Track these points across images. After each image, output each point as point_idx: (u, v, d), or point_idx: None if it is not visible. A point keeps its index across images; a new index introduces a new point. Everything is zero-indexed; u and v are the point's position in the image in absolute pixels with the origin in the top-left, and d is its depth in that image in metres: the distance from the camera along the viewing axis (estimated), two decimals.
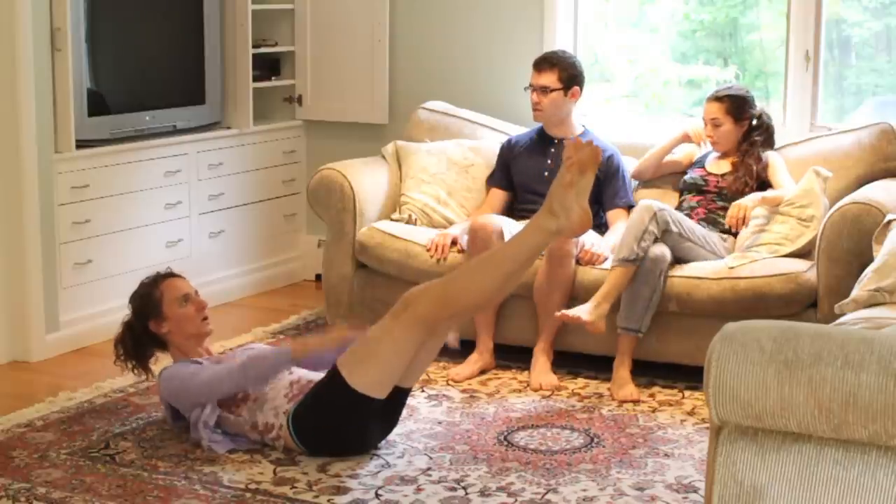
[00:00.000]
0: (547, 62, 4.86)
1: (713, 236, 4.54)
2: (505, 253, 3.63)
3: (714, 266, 4.39)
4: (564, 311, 4.31)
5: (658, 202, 4.42)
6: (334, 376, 3.61)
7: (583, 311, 4.28)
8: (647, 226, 4.31)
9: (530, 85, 4.88)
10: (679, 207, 4.78)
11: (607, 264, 4.43)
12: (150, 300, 3.93)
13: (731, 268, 4.35)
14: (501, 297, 3.88)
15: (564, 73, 4.84)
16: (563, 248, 4.44)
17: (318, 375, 3.72)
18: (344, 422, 3.64)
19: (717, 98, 4.72)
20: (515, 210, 4.95)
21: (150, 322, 3.91)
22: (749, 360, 2.36)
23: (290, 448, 3.72)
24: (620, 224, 4.73)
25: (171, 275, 4.02)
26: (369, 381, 3.57)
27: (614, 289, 4.32)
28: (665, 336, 4.43)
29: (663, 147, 4.90)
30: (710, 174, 4.76)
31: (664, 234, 4.36)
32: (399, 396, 3.73)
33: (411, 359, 3.61)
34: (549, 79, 4.82)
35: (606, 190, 4.85)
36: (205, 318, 3.96)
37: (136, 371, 3.98)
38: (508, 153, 5.01)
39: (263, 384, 3.72)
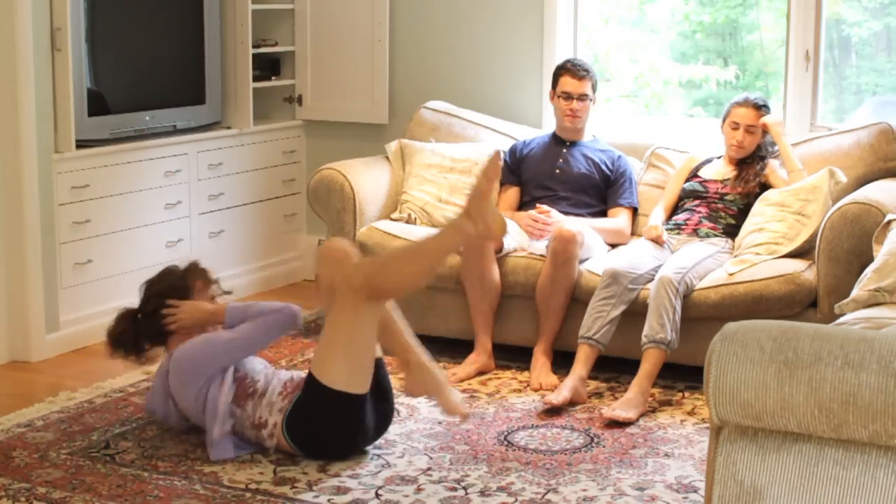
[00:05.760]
0: (582, 69, 4.93)
1: (721, 256, 4.51)
2: (426, 247, 3.76)
3: (713, 275, 4.38)
4: (612, 415, 4.05)
5: (673, 266, 4.31)
6: (312, 381, 3.62)
7: (627, 412, 4.06)
8: (674, 304, 4.22)
9: (565, 93, 4.92)
10: (679, 210, 4.78)
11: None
12: (182, 285, 3.92)
13: (731, 274, 4.35)
14: (422, 284, 3.93)
15: (593, 80, 4.95)
16: (567, 250, 4.45)
17: None
18: (337, 424, 3.63)
19: (757, 106, 4.67)
20: (522, 202, 5.00)
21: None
22: (749, 360, 2.36)
23: (284, 449, 3.71)
24: (619, 220, 4.89)
25: (203, 270, 4.00)
26: (345, 376, 3.58)
27: (653, 374, 4.20)
28: None
29: (670, 191, 4.85)
30: (707, 181, 4.76)
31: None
32: (378, 372, 3.73)
33: (374, 341, 3.65)
34: (587, 86, 4.91)
35: (612, 190, 4.91)
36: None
37: (135, 357, 3.94)
38: (518, 154, 5.08)
39: (270, 341, 3.87)
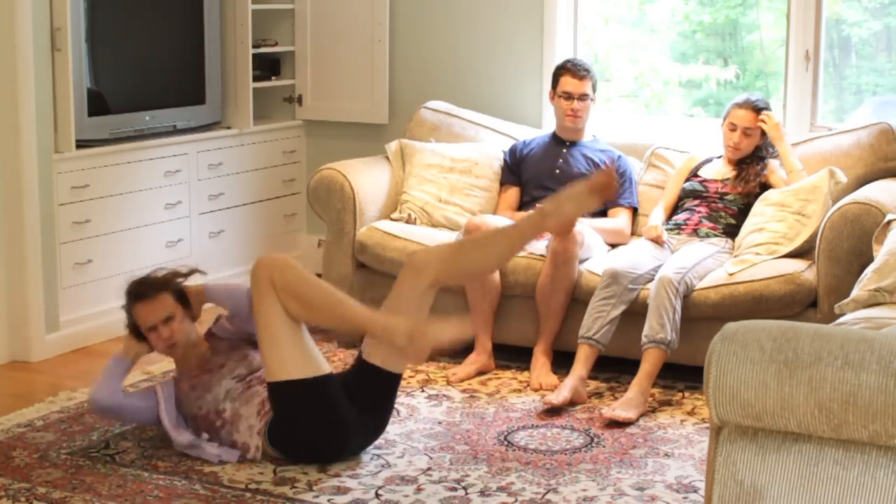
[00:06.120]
0: (583, 69, 4.93)
1: (721, 256, 4.51)
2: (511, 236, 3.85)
3: (713, 275, 4.38)
4: (612, 415, 4.05)
5: (673, 266, 4.31)
6: (273, 388, 3.61)
7: (627, 412, 4.05)
8: (674, 304, 4.21)
9: (566, 93, 4.91)
10: (679, 209, 4.78)
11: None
12: (131, 319, 3.87)
13: (731, 274, 4.35)
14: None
15: (593, 80, 4.95)
16: (568, 250, 4.45)
17: None
18: (314, 417, 3.61)
19: (757, 108, 4.65)
20: (522, 203, 5.00)
21: None
22: (749, 360, 2.36)
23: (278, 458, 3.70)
24: (619, 220, 4.89)
25: (139, 298, 3.83)
26: (295, 363, 3.57)
27: (653, 374, 4.19)
28: None
29: (670, 191, 4.87)
30: (707, 181, 4.75)
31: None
32: (366, 375, 3.70)
33: (294, 320, 3.58)
34: (587, 86, 4.91)
35: None
36: (172, 346, 3.82)
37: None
38: (518, 154, 5.08)
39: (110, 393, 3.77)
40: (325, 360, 3.69)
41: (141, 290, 3.83)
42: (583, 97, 4.90)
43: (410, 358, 3.57)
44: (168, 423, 3.74)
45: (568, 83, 4.91)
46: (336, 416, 3.63)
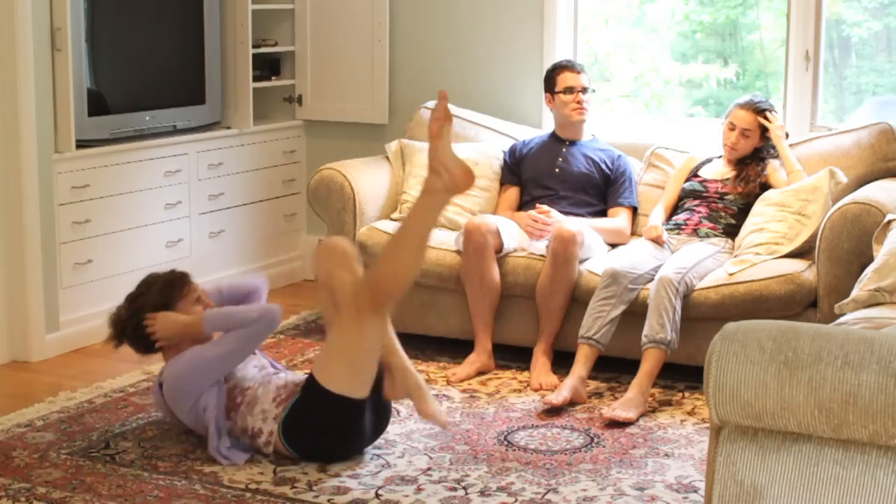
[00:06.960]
0: (578, 64, 5.02)
1: (721, 256, 4.51)
2: (409, 224, 3.64)
3: (713, 275, 4.38)
4: (612, 415, 4.05)
5: (673, 266, 4.32)
6: (312, 384, 3.60)
7: (627, 412, 4.05)
8: (674, 304, 4.21)
9: (569, 88, 4.93)
10: (679, 209, 4.78)
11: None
12: (161, 301, 3.84)
13: (731, 274, 4.35)
14: (421, 263, 3.84)
15: (588, 74, 4.99)
16: (568, 250, 4.45)
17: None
18: (336, 428, 3.62)
19: (758, 111, 4.66)
20: (522, 202, 5.00)
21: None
22: (749, 360, 2.36)
23: (282, 454, 3.70)
24: (618, 219, 4.89)
25: (182, 277, 3.91)
26: (346, 381, 3.57)
27: (653, 374, 4.19)
28: None
29: (670, 190, 4.88)
30: (707, 181, 4.76)
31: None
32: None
33: (379, 348, 3.61)
34: (586, 79, 4.97)
35: (612, 189, 4.92)
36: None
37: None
38: (518, 154, 5.09)
39: (255, 348, 3.86)
40: (370, 383, 3.64)
41: (182, 274, 3.93)
42: (585, 90, 4.93)
43: (457, 186, 3.57)
44: (214, 416, 3.73)
45: (569, 78, 4.92)
46: (357, 433, 3.67)
